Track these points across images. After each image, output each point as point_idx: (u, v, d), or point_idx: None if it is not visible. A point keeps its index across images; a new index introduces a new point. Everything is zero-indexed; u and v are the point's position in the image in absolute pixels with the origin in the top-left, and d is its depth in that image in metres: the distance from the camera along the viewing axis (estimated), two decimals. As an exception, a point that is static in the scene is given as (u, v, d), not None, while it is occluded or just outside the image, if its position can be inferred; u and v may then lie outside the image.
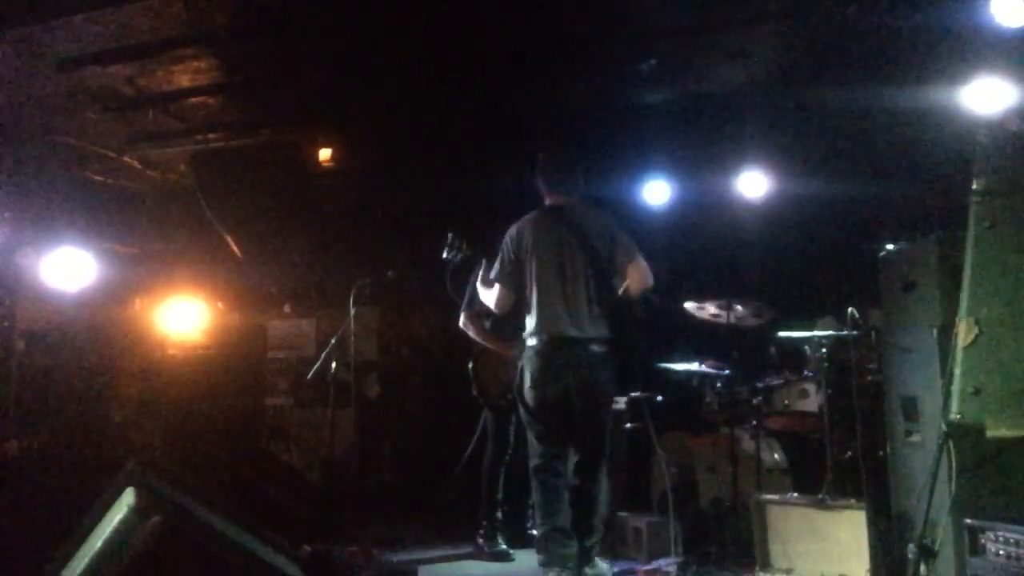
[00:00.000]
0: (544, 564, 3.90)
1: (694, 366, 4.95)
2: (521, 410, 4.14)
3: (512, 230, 4.23)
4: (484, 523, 4.86)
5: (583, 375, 3.95)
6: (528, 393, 4.04)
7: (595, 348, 3.98)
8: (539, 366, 4.00)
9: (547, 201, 4.28)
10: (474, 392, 4.92)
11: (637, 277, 4.00)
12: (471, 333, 4.85)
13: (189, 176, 6.61)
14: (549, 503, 3.95)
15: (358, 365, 6.15)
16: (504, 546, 4.79)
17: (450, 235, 4.50)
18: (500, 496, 4.89)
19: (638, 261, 4.03)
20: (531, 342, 4.05)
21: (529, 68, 5.09)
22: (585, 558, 3.97)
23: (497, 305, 4.23)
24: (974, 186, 3.00)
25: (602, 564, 4.08)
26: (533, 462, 4.05)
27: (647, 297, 4.09)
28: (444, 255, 4.52)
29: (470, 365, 4.93)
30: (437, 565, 4.70)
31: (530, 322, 4.08)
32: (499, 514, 4.89)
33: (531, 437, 4.09)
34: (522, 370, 4.10)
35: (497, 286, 4.19)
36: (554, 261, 4.06)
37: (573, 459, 4.10)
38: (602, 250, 4.07)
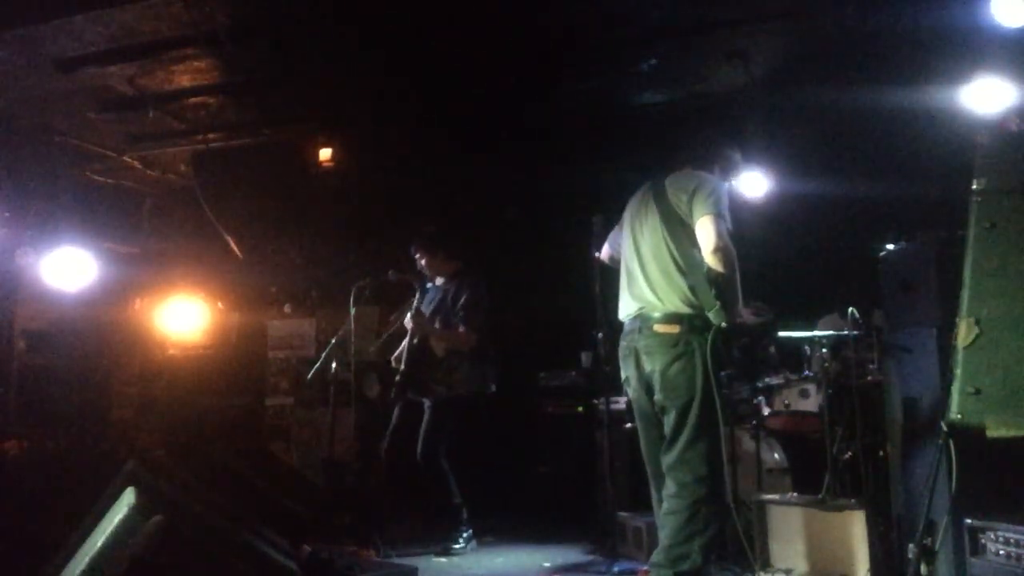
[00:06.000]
0: None
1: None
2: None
3: None
4: (454, 522, 4.99)
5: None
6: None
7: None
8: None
9: None
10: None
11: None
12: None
13: (189, 176, 6.61)
14: None
15: (358, 365, 6.15)
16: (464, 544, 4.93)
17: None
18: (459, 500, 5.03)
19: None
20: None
21: (529, 68, 5.09)
22: None
23: None
24: (974, 186, 2.98)
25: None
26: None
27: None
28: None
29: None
30: (437, 565, 4.69)
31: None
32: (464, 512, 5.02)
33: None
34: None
35: None
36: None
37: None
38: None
